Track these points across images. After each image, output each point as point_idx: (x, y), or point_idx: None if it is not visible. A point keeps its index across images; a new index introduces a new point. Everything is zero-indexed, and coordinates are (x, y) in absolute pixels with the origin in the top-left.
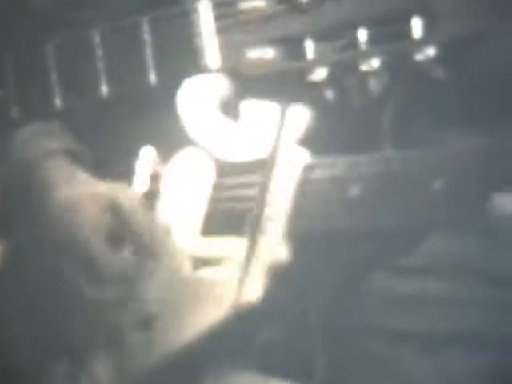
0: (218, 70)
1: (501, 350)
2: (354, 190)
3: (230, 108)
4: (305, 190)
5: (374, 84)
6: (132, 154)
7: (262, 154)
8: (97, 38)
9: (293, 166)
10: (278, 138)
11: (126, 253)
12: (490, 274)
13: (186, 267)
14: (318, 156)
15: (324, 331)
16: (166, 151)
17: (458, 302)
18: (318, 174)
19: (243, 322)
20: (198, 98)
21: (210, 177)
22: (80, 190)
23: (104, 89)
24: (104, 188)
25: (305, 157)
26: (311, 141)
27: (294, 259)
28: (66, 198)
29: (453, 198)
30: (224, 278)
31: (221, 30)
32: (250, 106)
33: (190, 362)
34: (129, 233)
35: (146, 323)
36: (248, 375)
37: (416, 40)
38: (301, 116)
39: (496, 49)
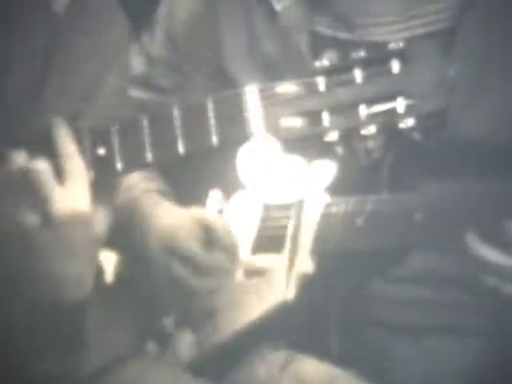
0: (262, 135)
1: (468, 338)
2: (360, 222)
3: (272, 163)
4: (325, 220)
5: (372, 145)
6: (204, 195)
7: (295, 196)
8: (176, 111)
9: (317, 204)
10: (306, 185)
11: (217, 255)
12: (456, 279)
13: (241, 274)
14: (334, 196)
15: (337, 320)
16: (228, 193)
17: (432, 301)
18: (334, 209)
19: (282, 313)
20: (250, 155)
21: (258, 212)
22: (179, 215)
23: (181, 147)
24: (198, 212)
25: (325, 197)
26: (329, 185)
27: (316, 269)
28: (168, 222)
29: (427, 226)
30: (268, 282)
31: (263, 106)
32: (287, 161)
33: (242, 344)
34: (216, 242)
35: (212, 313)
36: (284, 353)
37: (400, 114)
38: (322, 168)
39: (456, 119)
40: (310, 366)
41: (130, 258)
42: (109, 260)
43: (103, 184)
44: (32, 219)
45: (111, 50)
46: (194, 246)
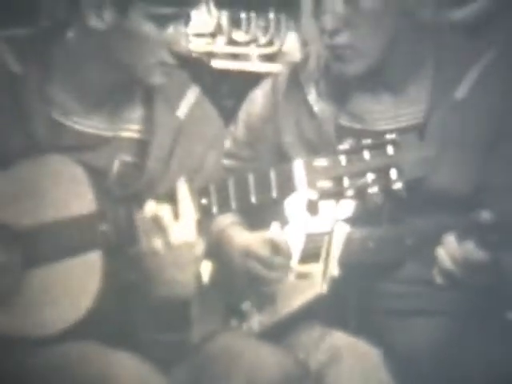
0: (305, 191)
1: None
2: (371, 244)
3: (311, 204)
4: (348, 242)
5: (376, 198)
6: (267, 226)
7: (328, 226)
8: (250, 176)
9: (341, 232)
10: (334, 220)
11: (278, 259)
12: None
13: (292, 277)
14: (354, 227)
15: (354, 307)
16: (282, 225)
17: (414, 294)
18: (353, 235)
19: (318, 302)
20: (297, 201)
21: (303, 236)
22: (252, 236)
23: (253, 198)
24: (266, 233)
25: (346, 227)
26: (349, 220)
27: (341, 274)
28: (245, 240)
29: (415, 248)
30: (309, 282)
31: (306, 173)
32: (321, 205)
33: (292, 321)
34: (278, 251)
35: (273, 301)
36: (319, 328)
37: (393, 179)
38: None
39: (429, 179)
40: (340, 337)
41: (219, 266)
42: (206, 268)
43: (203, 221)
44: (158, 244)
45: (214, 139)
46: (263, 252)
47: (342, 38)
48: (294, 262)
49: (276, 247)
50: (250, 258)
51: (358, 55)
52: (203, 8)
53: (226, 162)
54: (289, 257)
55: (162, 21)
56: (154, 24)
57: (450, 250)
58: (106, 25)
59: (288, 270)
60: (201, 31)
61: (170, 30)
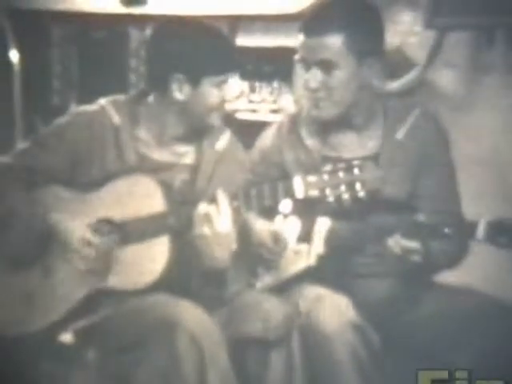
0: (302, 195)
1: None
2: (345, 233)
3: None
4: (328, 232)
5: (347, 202)
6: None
7: (315, 220)
8: (266, 188)
9: (324, 224)
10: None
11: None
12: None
13: (289, 253)
14: (333, 221)
15: (334, 269)
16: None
17: (374, 263)
18: (332, 226)
19: (309, 270)
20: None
21: (297, 227)
22: (263, 228)
23: (267, 202)
24: (271, 224)
25: (328, 222)
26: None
27: (325, 252)
28: (258, 233)
29: (374, 235)
30: (302, 256)
31: (304, 186)
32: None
33: (291, 282)
34: (279, 237)
35: (276, 268)
36: (308, 285)
37: (358, 191)
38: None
39: (383, 192)
40: (322, 290)
41: (243, 246)
42: (235, 247)
43: (235, 217)
44: (207, 231)
45: (240, 163)
46: (268, 241)
47: (320, 94)
48: (292, 243)
49: (277, 236)
50: (259, 245)
51: (330, 105)
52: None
53: (249, 176)
54: (286, 243)
55: (219, 85)
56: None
57: (395, 238)
58: (185, 96)
59: (285, 251)
60: (231, 94)
61: (222, 92)
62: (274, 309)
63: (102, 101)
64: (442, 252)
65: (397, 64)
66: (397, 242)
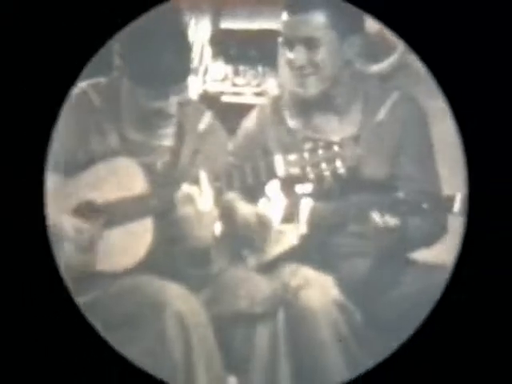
0: (283, 174)
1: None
2: (327, 212)
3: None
4: (311, 212)
5: (327, 179)
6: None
7: (297, 200)
8: (248, 168)
9: (307, 204)
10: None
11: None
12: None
13: (274, 233)
14: (315, 201)
15: (317, 249)
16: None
17: (356, 242)
18: (315, 206)
19: (293, 249)
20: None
21: (282, 208)
22: (247, 210)
23: (249, 180)
24: (257, 209)
25: (310, 201)
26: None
27: (307, 232)
28: (246, 211)
29: (355, 214)
30: (286, 235)
31: (284, 163)
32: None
33: (278, 260)
34: (264, 218)
35: (263, 247)
36: (295, 264)
37: (338, 166)
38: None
39: (362, 171)
40: (308, 269)
41: (227, 226)
42: (218, 226)
43: (217, 197)
44: (189, 211)
45: (222, 145)
46: (252, 223)
47: (306, 70)
48: (276, 224)
49: (261, 217)
50: (244, 226)
51: (316, 81)
52: (217, 63)
53: (230, 158)
54: (270, 223)
55: None
56: None
57: (377, 216)
58: None
59: (270, 231)
60: (215, 78)
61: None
62: (260, 284)
63: (83, 83)
64: (420, 229)
65: (378, 47)
66: (377, 219)
